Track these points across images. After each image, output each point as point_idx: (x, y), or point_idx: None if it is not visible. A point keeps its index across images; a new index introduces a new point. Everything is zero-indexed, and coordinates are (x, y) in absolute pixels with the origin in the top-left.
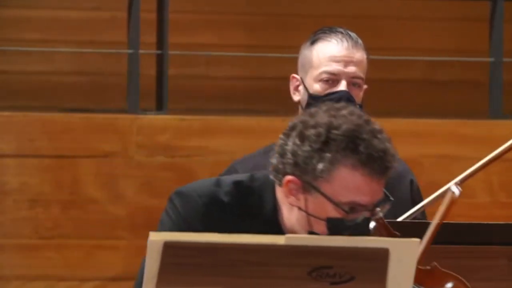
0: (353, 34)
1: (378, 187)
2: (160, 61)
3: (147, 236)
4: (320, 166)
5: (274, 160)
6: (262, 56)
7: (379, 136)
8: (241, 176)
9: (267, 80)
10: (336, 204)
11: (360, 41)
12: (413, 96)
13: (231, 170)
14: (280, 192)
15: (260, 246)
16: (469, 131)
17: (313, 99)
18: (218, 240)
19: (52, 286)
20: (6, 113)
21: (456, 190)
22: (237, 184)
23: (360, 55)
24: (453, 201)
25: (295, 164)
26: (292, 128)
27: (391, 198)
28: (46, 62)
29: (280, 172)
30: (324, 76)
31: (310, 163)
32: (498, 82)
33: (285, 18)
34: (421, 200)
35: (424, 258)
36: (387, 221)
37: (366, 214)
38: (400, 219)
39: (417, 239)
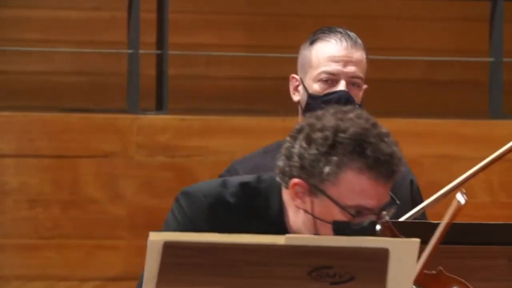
0: (352, 34)
1: (385, 191)
2: (160, 61)
3: (147, 236)
4: (327, 169)
5: (280, 163)
6: (262, 56)
7: (386, 139)
8: (247, 177)
9: (267, 80)
10: (342, 208)
11: (359, 40)
12: (413, 96)
13: (230, 170)
14: (286, 195)
15: (260, 246)
16: (469, 131)
17: (313, 99)
18: (218, 240)
19: (52, 286)
20: (6, 113)
21: (462, 199)
22: (244, 185)
23: (359, 54)
24: (459, 210)
25: (302, 167)
26: (299, 131)
27: (398, 202)
28: (46, 62)
29: (287, 175)
30: (323, 76)
31: (316, 166)
32: (498, 82)
33: (285, 18)
34: (421, 200)
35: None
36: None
37: (372, 217)
38: (401, 219)
39: (417, 239)
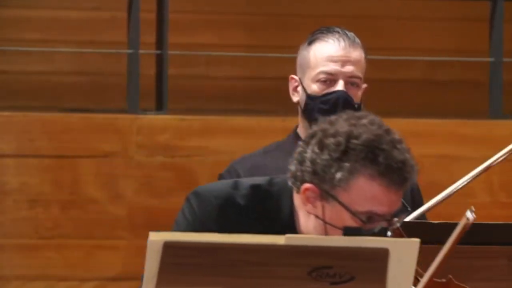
0: (350, 34)
1: (396, 198)
2: (160, 61)
3: (147, 236)
4: (339, 175)
5: (292, 167)
6: (262, 56)
7: (398, 146)
8: (260, 180)
9: (267, 80)
10: (353, 213)
11: (357, 40)
12: (413, 96)
13: (230, 170)
14: (297, 199)
15: (260, 246)
16: (469, 131)
17: (311, 100)
18: (218, 240)
19: (52, 286)
20: (6, 113)
21: (471, 217)
22: (255, 187)
23: (357, 54)
24: (467, 227)
25: (314, 172)
26: (312, 136)
27: (409, 209)
28: (46, 62)
29: (298, 180)
30: (322, 76)
31: (328, 171)
32: (498, 82)
33: (285, 18)
34: (422, 200)
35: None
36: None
37: (383, 224)
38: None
39: (417, 239)
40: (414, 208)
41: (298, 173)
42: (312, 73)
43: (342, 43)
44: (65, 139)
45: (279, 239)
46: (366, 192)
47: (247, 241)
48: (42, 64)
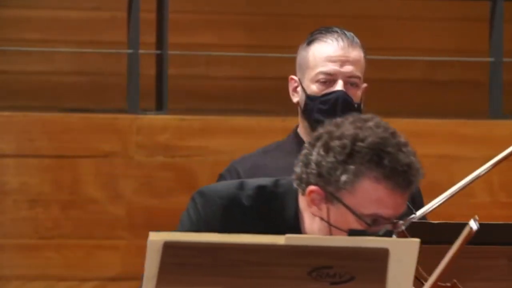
0: (349, 33)
1: (402, 201)
2: (160, 61)
3: (147, 236)
4: (344, 177)
5: (298, 169)
6: (262, 56)
7: (404, 149)
8: (265, 181)
9: (267, 80)
10: (358, 216)
11: (356, 39)
12: (413, 96)
13: (231, 170)
14: (302, 201)
15: (260, 246)
16: (469, 131)
17: (310, 100)
18: (218, 240)
19: (52, 286)
20: (6, 113)
21: (474, 226)
22: (261, 188)
23: (356, 54)
24: (470, 236)
25: (319, 175)
26: (318, 138)
27: (415, 212)
28: (46, 62)
29: (304, 182)
30: (321, 76)
31: (334, 174)
32: (498, 82)
33: (285, 18)
34: (422, 200)
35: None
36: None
37: (388, 227)
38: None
39: (417, 239)
40: (415, 209)
41: (303, 175)
42: (311, 73)
43: (341, 43)
44: (65, 139)
45: (279, 239)
46: (371, 194)
47: (247, 241)
48: (42, 64)
